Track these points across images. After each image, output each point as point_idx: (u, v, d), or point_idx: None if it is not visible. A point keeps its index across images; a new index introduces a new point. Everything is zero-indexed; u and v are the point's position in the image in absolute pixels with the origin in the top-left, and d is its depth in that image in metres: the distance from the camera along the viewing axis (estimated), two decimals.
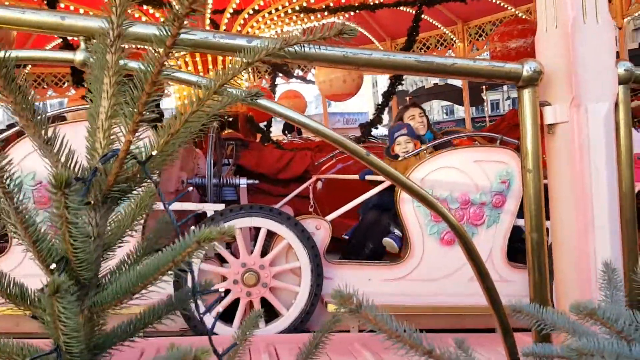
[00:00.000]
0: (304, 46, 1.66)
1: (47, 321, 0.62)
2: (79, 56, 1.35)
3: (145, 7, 6.25)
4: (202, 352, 0.67)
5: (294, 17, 7.72)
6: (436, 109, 37.57)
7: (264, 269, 3.16)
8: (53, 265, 0.64)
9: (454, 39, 10.12)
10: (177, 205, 3.24)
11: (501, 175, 3.29)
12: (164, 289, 0.73)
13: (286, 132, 12.47)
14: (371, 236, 3.70)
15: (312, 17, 8.12)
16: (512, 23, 7.52)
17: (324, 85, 9.39)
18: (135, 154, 0.68)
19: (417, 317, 3.36)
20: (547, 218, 1.61)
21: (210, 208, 3.23)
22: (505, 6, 9.04)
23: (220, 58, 6.88)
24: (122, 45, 0.72)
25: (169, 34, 0.61)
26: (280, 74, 11.75)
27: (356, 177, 3.92)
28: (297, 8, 7.44)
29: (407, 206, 3.33)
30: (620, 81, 1.58)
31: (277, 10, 7.24)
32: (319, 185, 5.05)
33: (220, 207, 3.23)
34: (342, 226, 3.86)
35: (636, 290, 1.12)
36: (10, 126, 5.24)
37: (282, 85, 12.76)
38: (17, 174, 0.65)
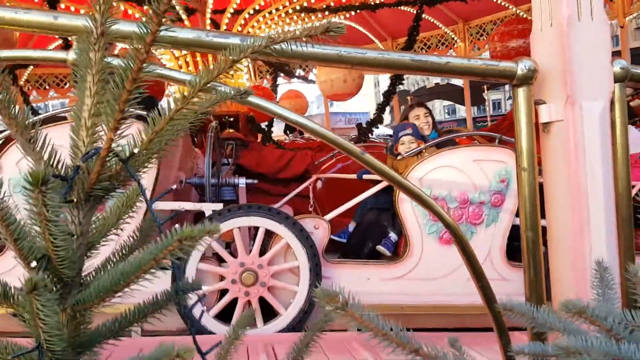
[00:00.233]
0: (297, 45, 1.65)
1: (27, 319, 0.61)
2: (71, 55, 1.35)
3: (145, 7, 6.25)
4: (185, 350, 0.67)
5: (295, 17, 7.72)
6: (438, 108, 37.55)
7: (262, 269, 3.15)
8: (34, 263, 0.64)
9: (455, 38, 10.11)
10: (174, 205, 3.24)
11: (500, 174, 3.28)
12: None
13: (288, 132, 12.46)
14: (370, 236, 3.69)
15: (313, 17, 8.13)
16: (512, 23, 7.50)
17: (325, 85, 9.39)
18: (118, 152, 0.68)
19: (416, 316, 3.36)
20: (543, 217, 1.60)
21: (208, 208, 3.22)
22: (507, 5, 9.03)
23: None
24: (106, 43, 0.72)
25: (149, 31, 0.60)
26: (281, 74, 11.75)
27: (355, 176, 3.92)
28: (297, 8, 7.44)
29: (406, 205, 3.33)
30: (616, 79, 1.57)
31: (277, 10, 7.25)
32: (319, 184, 5.05)
33: (219, 206, 3.23)
34: (341, 225, 3.86)
35: (630, 289, 1.11)
36: None
37: (284, 85, 12.77)
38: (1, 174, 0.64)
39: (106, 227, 0.79)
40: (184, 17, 6.38)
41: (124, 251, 0.81)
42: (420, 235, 3.35)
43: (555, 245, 1.63)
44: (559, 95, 1.52)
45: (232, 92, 0.87)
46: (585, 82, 1.50)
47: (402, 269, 3.37)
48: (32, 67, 9.71)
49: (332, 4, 7.98)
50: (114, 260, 0.77)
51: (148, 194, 3.02)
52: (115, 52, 8.00)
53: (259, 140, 8.03)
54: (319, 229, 3.34)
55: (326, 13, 8.04)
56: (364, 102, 37.44)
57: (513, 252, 3.36)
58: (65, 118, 4.08)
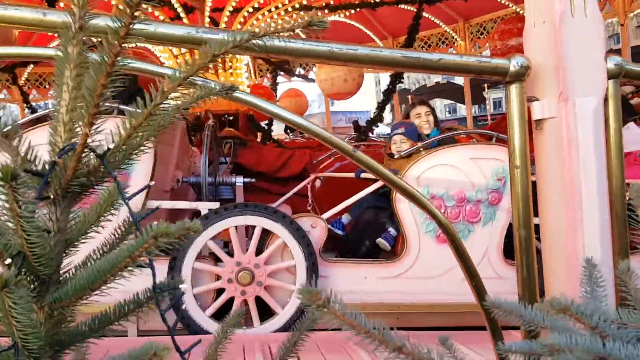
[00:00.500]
0: (289, 41, 1.64)
1: (0, 317, 0.61)
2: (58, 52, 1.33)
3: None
4: (162, 349, 0.66)
5: (294, 15, 7.71)
6: (439, 107, 37.51)
7: (259, 268, 3.15)
8: (8, 260, 0.63)
9: (455, 37, 10.09)
10: (170, 204, 3.23)
11: (497, 172, 3.27)
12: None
13: (288, 131, 12.45)
14: (368, 235, 3.68)
15: None
16: (512, 21, 7.49)
17: (325, 83, 9.39)
18: (94, 148, 0.67)
19: (413, 314, 3.35)
20: (536, 215, 1.59)
21: (204, 206, 3.22)
22: (507, 3, 9.01)
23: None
24: (84, 38, 0.71)
25: (123, 24, 0.59)
26: (281, 73, 11.74)
27: (353, 175, 3.91)
28: (297, 6, 7.43)
29: (403, 204, 3.32)
30: (610, 76, 1.55)
31: (277, 8, 7.24)
32: (318, 183, 5.04)
33: (215, 205, 3.22)
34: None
35: (621, 287, 1.10)
36: None
37: (284, 83, 12.77)
38: None
39: (86, 224, 0.78)
40: (182, 14, 6.38)
41: (104, 249, 0.80)
42: (418, 234, 3.34)
43: (549, 243, 1.62)
44: (552, 92, 1.51)
45: (217, 87, 0.86)
46: (579, 79, 1.49)
47: (399, 268, 3.37)
48: (32, 66, 9.72)
49: (331, 2, 7.96)
50: (94, 258, 0.77)
51: (143, 192, 3.01)
52: None
53: (259, 139, 8.02)
54: (316, 228, 3.33)
55: (326, 11, 8.03)
56: (365, 101, 37.41)
57: (510, 250, 3.35)
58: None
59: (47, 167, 0.70)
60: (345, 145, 1.56)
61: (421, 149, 3.57)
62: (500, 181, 3.28)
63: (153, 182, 2.98)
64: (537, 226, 1.58)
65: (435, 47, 10.47)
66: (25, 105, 9.67)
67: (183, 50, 6.36)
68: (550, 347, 0.75)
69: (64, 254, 0.74)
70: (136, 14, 0.58)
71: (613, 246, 1.60)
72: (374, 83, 40.40)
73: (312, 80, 11.31)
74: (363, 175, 3.69)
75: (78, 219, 0.77)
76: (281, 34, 0.83)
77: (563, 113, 1.49)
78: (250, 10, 6.95)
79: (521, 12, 8.83)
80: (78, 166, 0.67)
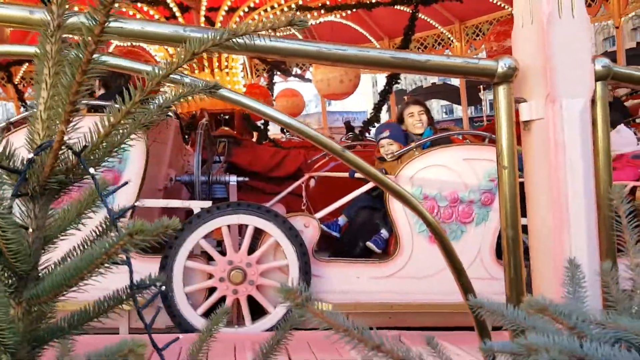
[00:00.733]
0: (279, 40, 1.63)
1: None
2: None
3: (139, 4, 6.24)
4: (138, 345, 0.66)
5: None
6: (436, 108, 37.55)
7: (251, 267, 3.15)
8: None
9: (451, 38, 10.11)
10: (162, 202, 3.23)
11: (490, 173, 3.28)
12: None
13: (285, 130, 12.44)
14: (362, 235, 3.69)
15: (309, 15, 8.11)
16: (508, 22, 7.51)
17: (321, 84, 9.39)
18: (71, 145, 0.67)
19: (406, 314, 3.36)
20: (525, 215, 1.60)
21: (196, 205, 3.22)
22: (503, 5, 9.02)
23: (215, 55, 6.86)
24: (63, 36, 0.71)
25: (97, 22, 0.60)
26: (278, 73, 11.73)
27: (347, 175, 3.91)
28: (293, 6, 7.42)
29: (397, 204, 3.32)
30: (598, 77, 1.56)
31: (272, 8, 7.23)
32: (312, 183, 5.04)
33: (207, 204, 3.22)
34: None
35: (604, 287, 1.11)
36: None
37: (281, 83, 12.76)
38: None
39: (66, 221, 0.78)
40: (178, 14, 6.37)
41: (84, 245, 0.80)
42: (411, 234, 3.35)
43: (536, 244, 1.63)
44: (540, 93, 1.52)
45: (201, 84, 0.86)
46: (566, 80, 1.50)
47: (392, 268, 3.37)
48: (27, 64, 9.69)
49: (327, 2, 7.97)
50: (73, 255, 0.77)
51: (135, 190, 3.02)
52: (111, 49, 7.99)
53: (255, 138, 8.01)
54: (309, 227, 3.33)
55: (322, 11, 8.03)
56: (362, 101, 37.45)
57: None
58: None
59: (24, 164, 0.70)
60: (333, 145, 1.57)
61: (415, 150, 3.58)
62: (492, 182, 3.29)
63: (130, 181, 2.96)
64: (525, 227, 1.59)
65: (432, 48, 10.48)
66: (20, 103, 9.64)
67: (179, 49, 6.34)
68: (527, 346, 0.76)
69: (43, 251, 0.74)
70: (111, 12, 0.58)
71: (600, 248, 1.61)
72: (371, 84, 40.44)
73: (309, 81, 11.31)
74: (357, 175, 3.69)
75: (57, 216, 0.77)
76: (267, 32, 0.83)
77: (550, 114, 1.50)
78: (246, 9, 6.95)
79: None
80: (55, 163, 0.68)
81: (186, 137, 5.04)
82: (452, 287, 3.22)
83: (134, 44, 6.58)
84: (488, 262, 3.34)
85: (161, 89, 0.83)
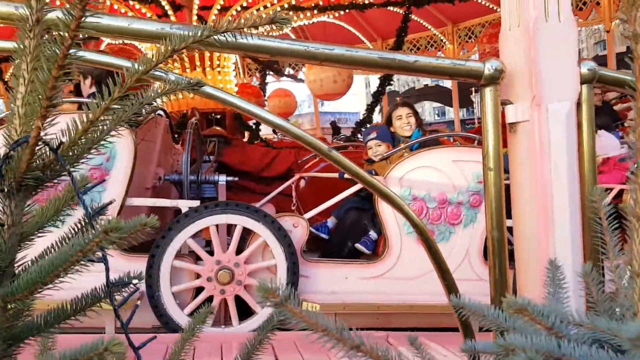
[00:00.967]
0: (266, 39, 1.63)
1: None
2: None
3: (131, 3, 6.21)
4: (114, 343, 0.66)
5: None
6: (428, 110, 37.67)
7: (239, 267, 3.14)
8: None
9: (444, 40, 10.15)
10: (150, 201, 3.21)
11: (478, 175, 3.29)
12: None
13: (276, 130, 12.42)
14: (351, 236, 3.69)
15: (302, 16, 8.12)
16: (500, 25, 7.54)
17: (314, 84, 9.40)
18: (48, 141, 0.67)
19: (394, 315, 3.36)
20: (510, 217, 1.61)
21: (185, 204, 3.20)
22: (495, 8, 9.07)
23: (207, 54, 6.85)
24: (42, 31, 0.71)
25: (73, 17, 0.59)
26: (270, 72, 11.73)
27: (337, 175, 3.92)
28: (285, 6, 7.42)
29: (386, 205, 3.33)
30: (583, 80, 1.57)
31: (265, 7, 7.23)
32: (302, 183, 5.04)
33: (195, 203, 3.21)
34: None
35: (587, 289, 1.11)
36: None
37: (273, 83, 12.75)
38: None
39: (44, 218, 0.78)
40: (170, 12, 6.35)
41: (61, 243, 0.79)
42: (399, 235, 3.35)
43: (521, 246, 1.63)
44: (526, 96, 1.52)
45: (184, 81, 0.86)
46: (551, 83, 1.51)
47: (381, 268, 3.38)
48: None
49: (320, 2, 7.97)
50: (49, 252, 0.76)
51: (122, 189, 3.00)
52: (102, 47, 7.95)
53: (246, 138, 8.00)
54: (298, 227, 3.33)
55: (315, 12, 8.03)
56: (355, 102, 37.50)
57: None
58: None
59: None
60: (320, 145, 1.57)
61: (404, 151, 3.58)
62: (481, 184, 3.29)
63: (108, 177, 2.93)
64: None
65: (424, 49, 10.52)
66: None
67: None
68: (505, 347, 0.76)
69: (19, 248, 0.73)
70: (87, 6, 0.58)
71: (584, 250, 1.62)
72: (364, 85, 40.49)
73: (302, 81, 11.31)
74: (347, 175, 3.69)
75: (35, 213, 0.76)
76: (250, 30, 0.83)
77: (536, 117, 1.51)
78: (239, 9, 6.94)
79: None
80: (32, 159, 0.67)
81: (176, 136, 5.03)
82: (440, 288, 3.24)
83: (125, 42, 6.55)
84: (476, 263, 3.35)
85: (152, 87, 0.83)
